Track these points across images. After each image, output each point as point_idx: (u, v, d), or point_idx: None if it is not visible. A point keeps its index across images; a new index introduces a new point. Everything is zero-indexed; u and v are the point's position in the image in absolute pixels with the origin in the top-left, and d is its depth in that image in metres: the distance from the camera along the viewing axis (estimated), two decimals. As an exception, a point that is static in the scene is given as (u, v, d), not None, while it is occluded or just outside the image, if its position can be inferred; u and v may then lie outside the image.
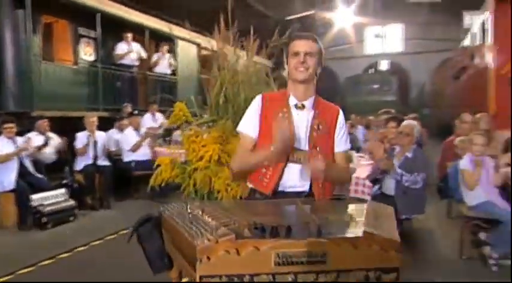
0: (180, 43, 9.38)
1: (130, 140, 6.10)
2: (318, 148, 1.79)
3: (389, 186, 3.71)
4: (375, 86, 16.50)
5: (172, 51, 9.13)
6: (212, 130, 2.52)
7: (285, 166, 1.80)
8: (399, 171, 3.62)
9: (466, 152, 3.86)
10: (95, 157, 5.58)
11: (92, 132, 5.63)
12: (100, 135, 5.78)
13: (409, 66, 19.36)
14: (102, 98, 7.42)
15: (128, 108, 7.23)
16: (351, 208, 1.56)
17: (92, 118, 5.71)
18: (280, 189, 1.83)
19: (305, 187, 1.84)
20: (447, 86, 13.10)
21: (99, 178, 5.61)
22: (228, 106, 2.57)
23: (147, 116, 7.32)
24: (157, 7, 8.94)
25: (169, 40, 9.01)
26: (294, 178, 1.82)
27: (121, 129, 6.36)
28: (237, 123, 2.04)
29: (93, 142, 5.58)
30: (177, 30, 9.22)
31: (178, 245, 1.29)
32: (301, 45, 1.78)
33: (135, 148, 6.05)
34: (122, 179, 5.94)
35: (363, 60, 20.28)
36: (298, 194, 1.83)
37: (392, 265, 1.14)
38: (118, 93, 7.81)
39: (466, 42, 10.29)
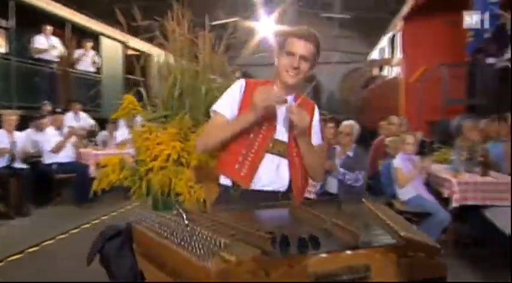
0: (105, 41, 8.53)
1: (51, 140, 5.27)
2: None
3: (332, 185, 3.65)
4: (293, 92, 16.89)
5: (96, 48, 8.24)
6: (168, 126, 2.13)
7: (263, 157, 1.56)
8: (342, 170, 3.58)
9: (397, 151, 3.95)
10: (12, 160, 4.71)
11: (10, 131, 4.79)
12: (18, 136, 4.94)
13: (321, 74, 20.21)
14: (16, 94, 6.34)
15: (48, 106, 6.27)
16: (354, 210, 1.32)
17: (11, 116, 4.87)
18: (256, 187, 1.57)
19: (283, 185, 1.61)
20: (354, 93, 13.90)
21: (15, 183, 4.73)
22: (185, 99, 2.20)
23: (70, 115, 6.45)
24: (81, 2, 7.98)
25: (92, 37, 8.12)
26: (271, 174, 1.58)
27: (40, 129, 5.47)
28: (196, 119, 1.73)
29: (12, 143, 4.76)
30: (101, 27, 8.39)
31: (172, 269, 0.93)
32: (299, 47, 1.54)
33: (57, 149, 5.25)
34: (42, 183, 5.11)
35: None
36: (274, 193, 1.59)
37: (439, 274, 0.93)
38: (35, 89, 6.76)
39: (374, 55, 10.98)
